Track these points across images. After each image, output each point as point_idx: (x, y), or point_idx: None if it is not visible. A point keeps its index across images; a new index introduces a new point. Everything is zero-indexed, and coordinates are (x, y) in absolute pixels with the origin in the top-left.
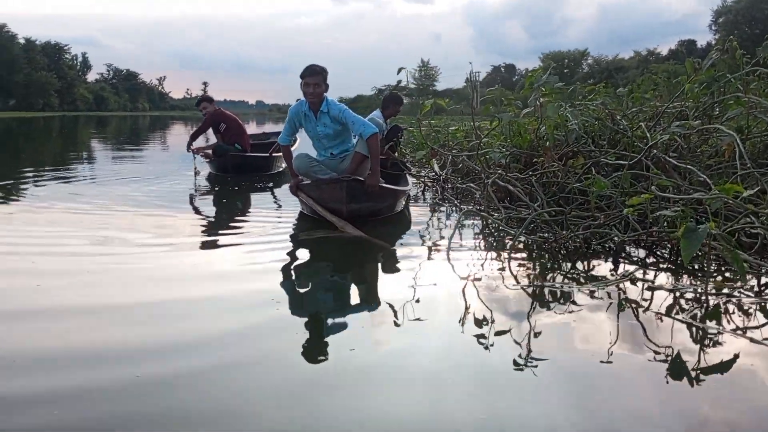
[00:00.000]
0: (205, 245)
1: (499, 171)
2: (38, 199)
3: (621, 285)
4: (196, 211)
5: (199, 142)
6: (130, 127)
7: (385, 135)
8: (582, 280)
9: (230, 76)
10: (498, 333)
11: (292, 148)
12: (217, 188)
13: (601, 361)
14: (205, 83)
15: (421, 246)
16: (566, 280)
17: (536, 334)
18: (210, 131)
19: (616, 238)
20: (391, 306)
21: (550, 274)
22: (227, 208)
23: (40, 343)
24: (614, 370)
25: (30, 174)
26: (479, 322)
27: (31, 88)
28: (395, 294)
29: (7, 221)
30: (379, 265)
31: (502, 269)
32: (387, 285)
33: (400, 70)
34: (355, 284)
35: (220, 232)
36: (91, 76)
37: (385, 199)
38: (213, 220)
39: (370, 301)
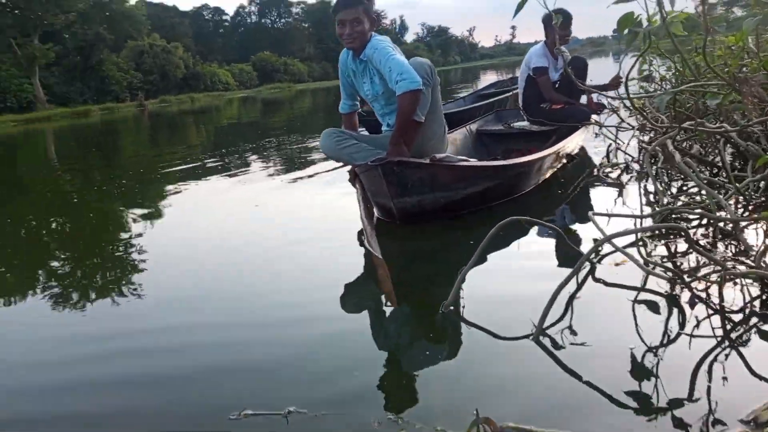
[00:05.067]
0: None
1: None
2: None
3: None
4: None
5: None
6: (443, 81)
7: (559, 76)
8: None
9: (540, 15)
10: None
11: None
12: None
13: None
14: (513, 27)
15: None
16: None
17: None
18: None
19: None
20: None
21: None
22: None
23: None
24: None
25: None
26: None
27: None
28: None
29: None
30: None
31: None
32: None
33: None
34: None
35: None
36: (409, 37)
37: (468, 181)
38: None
39: None
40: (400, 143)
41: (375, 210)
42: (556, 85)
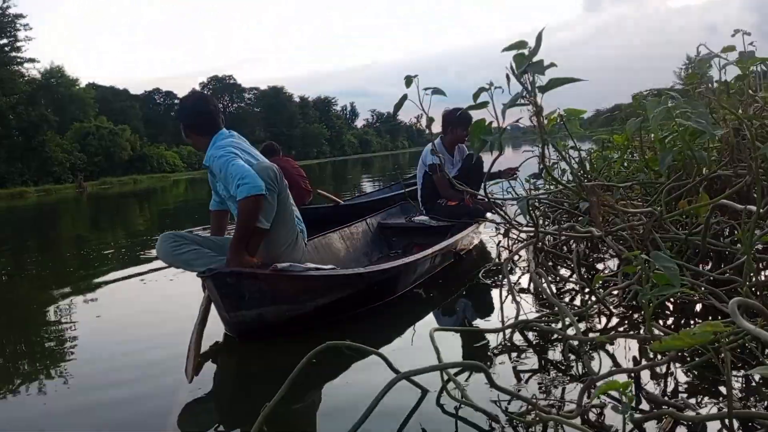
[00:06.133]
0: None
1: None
2: None
3: None
4: None
5: None
6: (392, 165)
7: (458, 171)
8: None
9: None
10: None
11: None
12: None
13: None
14: (418, 116)
15: None
16: None
17: None
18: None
19: None
20: None
21: None
22: None
23: None
24: None
25: None
26: None
27: (306, 140)
28: None
29: None
30: None
31: None
32: None
33: (409, 82)
34: None
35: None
36: (359, 123)
37: (318, 292)
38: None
39: None
40: (240, 251)
41: (224, 324)
42: None
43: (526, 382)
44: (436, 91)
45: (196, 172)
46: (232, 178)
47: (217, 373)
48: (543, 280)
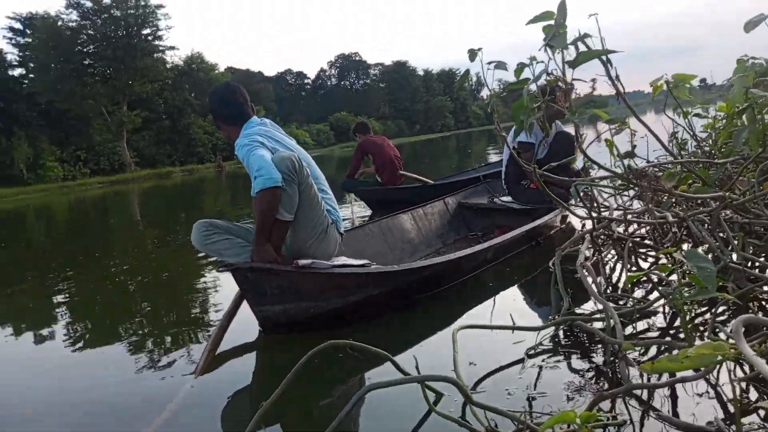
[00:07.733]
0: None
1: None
2: None
3: None
4: None
5: None
6: None
7: (546, 151)
8: None
9: (629, 64)
10: None
11: None
12: None
13: None
14: (593, 80)
15: None
16: None
17: None
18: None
19: None
20: None
21: None
22: None
23: None
24: None
25: None
26: None
27: (429, 113)
28: None
29: None
30: None
31: None
32: None
33: (473, 56)
34: None
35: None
36: (485, 93)
37: (346, 290)
38: None
39: None
40: (263, 243)
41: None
42: None
43: (551, 388)
44: (499, 65)
45: (325, 149)
46: (251, 170)
47: (236, 367)
48: (588, 274)
